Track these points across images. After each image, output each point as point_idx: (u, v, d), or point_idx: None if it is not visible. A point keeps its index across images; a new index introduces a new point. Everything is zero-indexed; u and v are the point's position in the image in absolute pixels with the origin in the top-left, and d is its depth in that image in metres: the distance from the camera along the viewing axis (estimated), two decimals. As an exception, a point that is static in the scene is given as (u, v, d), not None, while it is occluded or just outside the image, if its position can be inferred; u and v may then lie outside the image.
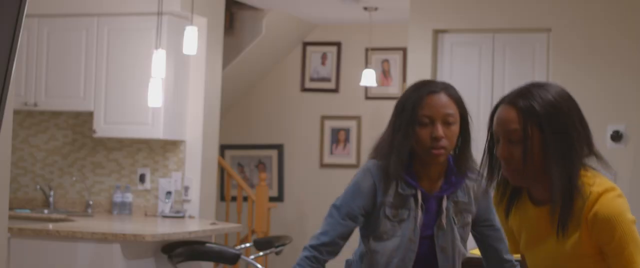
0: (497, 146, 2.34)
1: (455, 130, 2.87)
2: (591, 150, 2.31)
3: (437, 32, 7.35)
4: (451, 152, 2.92)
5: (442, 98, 2.86)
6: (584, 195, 2.25)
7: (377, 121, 9.09)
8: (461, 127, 2.90)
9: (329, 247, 2.90)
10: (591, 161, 2.32)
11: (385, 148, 2.89)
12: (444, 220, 2.91)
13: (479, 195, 2.97)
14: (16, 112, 7.30)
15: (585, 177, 2.28)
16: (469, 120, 2.92)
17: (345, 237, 2.92)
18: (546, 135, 2.25)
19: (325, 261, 2.94)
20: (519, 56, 7.00)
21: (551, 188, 2.27)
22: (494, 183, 2.41)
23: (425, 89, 2.88)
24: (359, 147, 9.46)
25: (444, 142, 2.84)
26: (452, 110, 2.86)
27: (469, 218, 2.97)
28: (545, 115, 2.25)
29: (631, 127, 6.72)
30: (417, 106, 2.84)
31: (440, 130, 2.83)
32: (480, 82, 7.14)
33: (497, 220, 3.01)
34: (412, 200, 2.90)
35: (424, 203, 2.91)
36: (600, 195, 2.24)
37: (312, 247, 2.91)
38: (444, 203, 2.92)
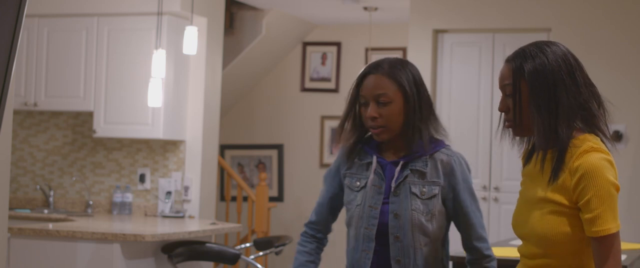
0: None
1: (392, 109, 2.92)
2: (585, 107, 2.46)
3: (437, 32, 7.35)
4: (398, 129, 2.96)
5: (376, 79, 2.94)
6: (576, 147, 2.42)
7: (377, 121, 9.09)
8: (408, 105, 2.94)
9: (313, 224, 3.14)
10: (591, 121, 2.47)
11: (341, 124, 3.05)
12: (400, 187, 2.93)
13: (448, 170, 2.96)
14: (16, 112, 7.31)
15: (587, 137, 2.44)
16: (414, 97, 2.94)
17: (328, 214, 3.12)
18: (531, 89, 2.45)
19: (317, 238, 3.14)
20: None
21: (549, 139, 2.45)
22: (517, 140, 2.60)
23: (364, 71, 3.00)
24: (359, 147, 9.46)
25: (379, 121, 2.92)
26: (386, 90, 2.92)
27: (436, 191, 2.94)
28: (532, 71, 2.46)
29: (631, 127, 6.72)
30: (358, 87, 2.99)
31: (371, 110, 2.92)
32: (480, 82, 7.14)
33: (470, 204, 2.98)
34: (370, 168, 2.98)
35: (383, 171, 2.96)
36: (591, 149, 2.40)
37: (305, 224, 3.17)
38: (397, 169, 2.94)
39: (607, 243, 2.35)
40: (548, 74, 2.44)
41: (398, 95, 2.93)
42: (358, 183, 2.99)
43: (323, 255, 3.23)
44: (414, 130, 2.95)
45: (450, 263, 3.10)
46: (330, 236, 3.23)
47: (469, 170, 3.03)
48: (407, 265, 2.92)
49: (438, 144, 2.99)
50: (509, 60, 2.52)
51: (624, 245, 5.12)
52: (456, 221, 3.01)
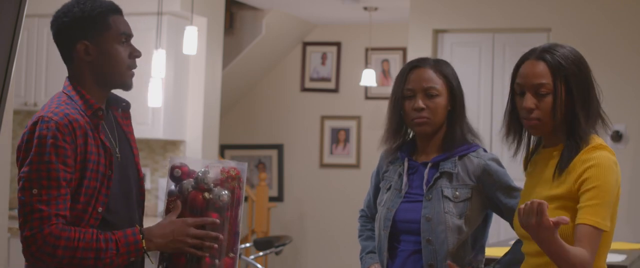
0: (520, 99, 2.53)
1: (439, 102, 2.95)
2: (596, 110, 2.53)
3: (437, 32, 7.35)
4: (440, 125, 2.99)
5: (426, 72, 2.97)
6: (587, 143, 2.47)
7: (377, 121, 9.09)
8: (452, 102, 2.98)
9: (366, 211, 3.24)
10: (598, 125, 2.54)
11: (385, 124, 3.06)
12: (431, 190, 2.93)
13: (479, 173, 2.94)
14: (16, 112, 7.30)
15: (594, 136, 2.50)
16: (458, 94, 2.99)
17: (374, 208, 3.15)
18: (573, 88, 2.47)
19: (372, 218, 3.20)
20: (519, 56, 7.00)
21: (571, 135, 2.48)
22: (517, 144, 2.62)
23: (410, 65, 3.02)
24: (359, 147, 9.46)
25: (425, 113, 2.94)
26: (435, 83, 2.95)
27: (469, 194, 2.93)
28: (571, 70, 2.48)
29: (631, 127, 6.72)
30: (403, 81, 2.99)
31: (419, 101, 2.93)
32: (480, 82, 7.14)
33: (510, 201, 2.94)
34: (400, 169, 3.01)
35: (414, 173, 2.98)
36: (601, 147, 2.45)
37: (360, 210, 3.27)
38: (426, 170, 2.94)
39: (596, 237, 2.35)
40: (583, 72, 2.50)
41: (443, 90, 2.96)
42: (390, 185, 3.02)
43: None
44: (451, 128, 2.97)
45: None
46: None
47: (502, 167, 3.00)
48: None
49: (470, 146, 2.98)
50: (540, 58, 2.52)
51: (624, 245, 5.11)
52: (503, 218, 3.00)
